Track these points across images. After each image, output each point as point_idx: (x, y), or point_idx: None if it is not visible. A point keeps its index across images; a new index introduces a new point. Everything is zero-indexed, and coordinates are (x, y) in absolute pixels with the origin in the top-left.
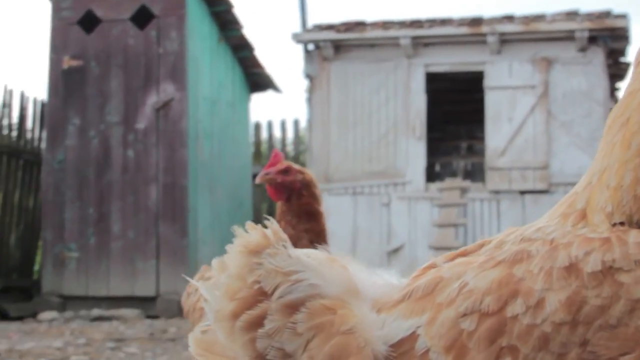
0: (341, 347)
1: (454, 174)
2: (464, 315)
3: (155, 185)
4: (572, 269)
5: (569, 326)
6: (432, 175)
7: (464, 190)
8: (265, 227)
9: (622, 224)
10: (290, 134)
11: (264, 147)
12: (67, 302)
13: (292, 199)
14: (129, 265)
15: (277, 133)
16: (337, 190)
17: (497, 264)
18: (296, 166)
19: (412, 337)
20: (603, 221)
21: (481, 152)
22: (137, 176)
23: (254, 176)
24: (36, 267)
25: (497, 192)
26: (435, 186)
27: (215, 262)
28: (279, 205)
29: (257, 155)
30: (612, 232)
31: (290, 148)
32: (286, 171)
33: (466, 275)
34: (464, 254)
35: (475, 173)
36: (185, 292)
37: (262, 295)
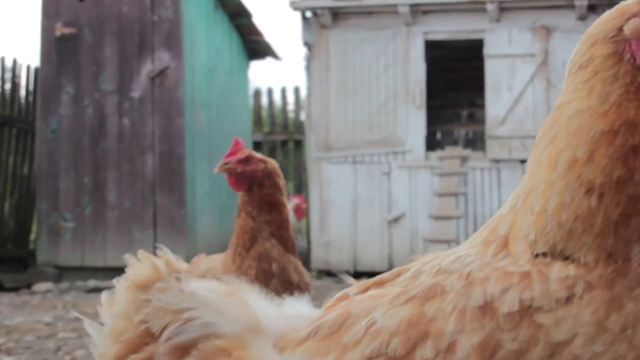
0: None
1: (455, 142)
2: (370, 358)
3: (151, 154)
4: (487, 308)
5: None
6: (433, 144)
7: (464, 159)
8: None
9: (545, 254)
10: (290, 101)
11: (264, 114)
12: (63, 273)
13: (253, 189)
14: (126, 235)
15: (277, 100)
16: (337, 158)
17: (408, 299)
18: (258, 155)
19: None
20: (525, 251)
21: (482, 120)
22: (133, 145)
23: (255, 144)
24: (32, 237)
25: (497, 160)
26: (435, 155)
27: (104, 296)
28: (239, 196)
29: (258, 122)
30: (533, 266)
31: (291, 115)
32: (247, 160)
33: (375, 311)
34: (379, 284)
35: (477, 141)
36: None
37: (149, 336)
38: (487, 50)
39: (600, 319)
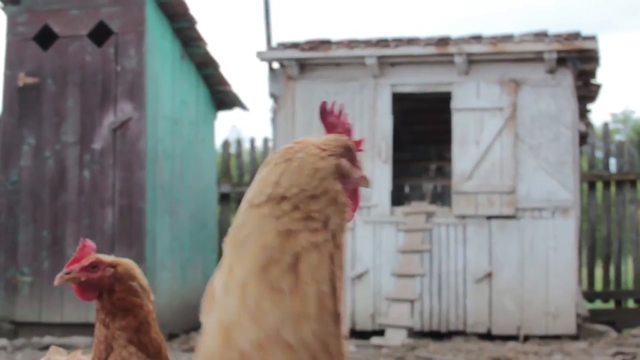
0: None
1: (423, 197)
2: None
3: (111, 208)
4: None
5: None
6: (400, 197)
7: (429, 215)
8: None
9: None
10: (259, 152)
11: (232, 165)
12: (19, 329)
13: (103, 296)
14: None
15: (246, 151)
16: None
17: None
18: (107, 258)
19: None
20: None
21: (450, 175)
22: (93, 198)
23: (221, 195)
24: None
25: (463, 216)
26: (401, 210)
27: None
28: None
29: (226, 173)
30: None
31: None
32: (93, 267)
33: None
34: None
35: (445, 195)
36: None
37: None
38: (455, 103)
39: None
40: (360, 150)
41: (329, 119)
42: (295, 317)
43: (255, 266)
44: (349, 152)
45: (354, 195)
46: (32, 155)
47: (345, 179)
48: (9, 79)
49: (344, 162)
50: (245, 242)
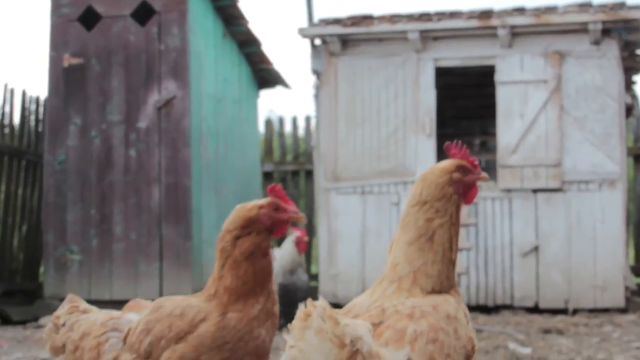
0: None
1: None
2: (426, 343)
3: (157, 186)
4: (449, 317)
5: (456, 340)
6: None
7: None
8: None
9: (430, 292)
10: (301, 131)
11: (275, 144)
12: None
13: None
14: (132, 268)
15: (288, 130)
16: (346, 189)
17: (421, 316)
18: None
19: None
20: (421, 292)
21: (494, 149)
22: (139, 177)
23: (265, 174)
24: (42, 270)
25: (509, 190)
26: None
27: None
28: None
29: (269, 152)
30: (436, 297)
31: (302, 145)
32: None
33: (410, 325)
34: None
35: (490, 170)
36: (51, 324)
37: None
38: (499, 76)
39: (451, 312)
40: (474, 164)
41: (452, 151)
42: (430, 261)
43: (412, 238)
44: (462, 167)
45: (470, 190)
46: (78, 135)
47: (458, 184)
48: (54, 61)
49: (456, 175)
50: (406, 226)
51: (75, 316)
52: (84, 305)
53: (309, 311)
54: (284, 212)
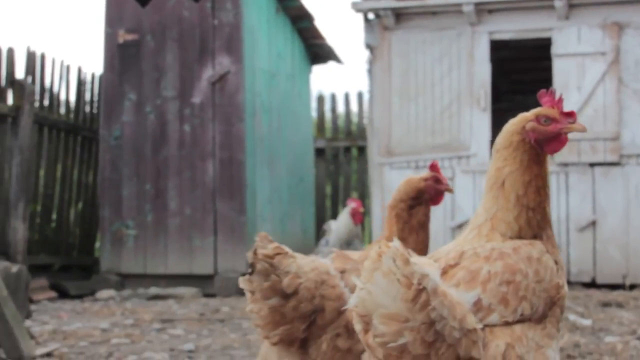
0: None
1: None
2: (499, 284)
3: (212, 161)
4: (530, 258)
5: (537, 283)
6: None
7: None
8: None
9: (511, 238)
10: (354, 107)
11: (327, 120)
12: (125, 281)
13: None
14: (187, 242)
15: (340, 106)
16: (399, 164)
17: (498, 257)
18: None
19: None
20: (501, 237)
21: None
22: (194, 151)
23: (317, 150)
24: (97, 245)
25: (565, 164)
26: None
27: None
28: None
29: (321, 128)
30: (517, 242)
31: (354, 121)
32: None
33: (485, 266)
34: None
35: None
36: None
37: None
38: (555, 49)
39: (550, 263)
40: (565, 113)
41: (544, 98)
42: (503, 208)
43: (487, 186)
44: (545, 116)
45: (552, 140)
46: (133, 110)
47: (534, 133)
48: (110, 37)
49: (530, 124)
50: (486, 175)
51: (292, 261)
52: (287, 248)
53: (382, 251)
54: (442, 184)
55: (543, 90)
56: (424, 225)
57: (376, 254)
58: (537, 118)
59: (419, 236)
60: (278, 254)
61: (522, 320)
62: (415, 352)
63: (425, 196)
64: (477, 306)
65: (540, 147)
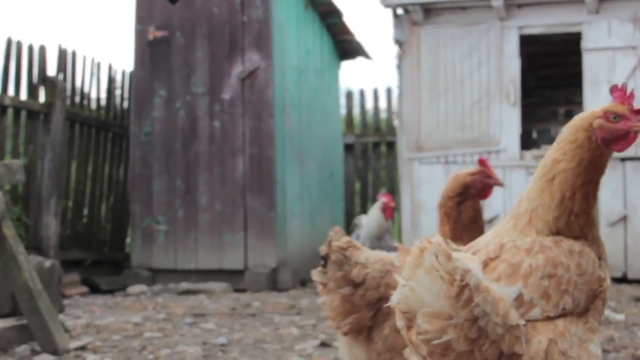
0: None
1: (551, 141)
2: (541, 278)
3: (242, 156)
4: (571, 251)
5: (578, 276)
6: (528, 143)
7: None
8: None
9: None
10: (383, 103)
11: (356, 116)
12: (156, 276)
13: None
14: (217, 238)
15: (369, 101)
16: (429, 159)
17: (539, 251)
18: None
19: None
20: (539, 233)
21: None
22: (224, 147)
23: (346, 146)
24: (128, 240)
25: None
26: (530, 154)
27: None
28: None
29: (349, 124)
30: (555, 238)
31: (383, 117)
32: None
33: (526, 259)
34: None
35: None
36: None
37: None
38: (585, 43)
39: (592, 255)
40: (638, 111)
41: (616, 94)
42: (546, 205)
43: (537, 175)
44: (614, 113)
45: (621, 138)
46: (163, 106)
47: (601, 131)
48: (140, 34)
49: (598, 121)
50: (540, 162)
51: (361, 253)
52: (357, 242)
53: (424, 247)
54: (490, 178)
55: (614, 85)
56: (475, 220)
57: (418, 250)
58: (606, 115)
59: (471, 231)
60: (350, 246)
61: (564, 314)
62: (459, 349)
63: (472, 191)
64: (519, 301)
65: (607, 146)
